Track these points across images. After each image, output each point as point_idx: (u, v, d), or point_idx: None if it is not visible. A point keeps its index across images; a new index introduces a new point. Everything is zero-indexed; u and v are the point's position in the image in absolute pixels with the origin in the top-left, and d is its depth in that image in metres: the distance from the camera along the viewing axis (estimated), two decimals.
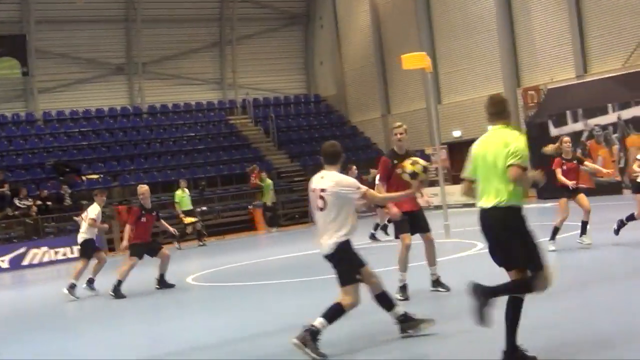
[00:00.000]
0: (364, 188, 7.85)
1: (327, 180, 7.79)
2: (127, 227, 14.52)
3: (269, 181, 29.09)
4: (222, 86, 38.52)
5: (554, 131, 27.03)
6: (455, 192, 29.47)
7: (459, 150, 33.12)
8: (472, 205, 22.79)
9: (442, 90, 33.78)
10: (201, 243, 25.58)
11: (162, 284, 14.58)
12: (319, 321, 7.47)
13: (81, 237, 15.12)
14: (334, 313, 7.57)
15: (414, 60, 18.29)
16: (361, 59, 37.75)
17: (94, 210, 15.01)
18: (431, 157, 28.59)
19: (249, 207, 30.67)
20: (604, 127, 25.69)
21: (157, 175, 31.60)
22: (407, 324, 7.95)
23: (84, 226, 15.13)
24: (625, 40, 27.33)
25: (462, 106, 32.66)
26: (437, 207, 18.76)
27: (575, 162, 13.45)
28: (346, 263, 7.71)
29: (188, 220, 25.71)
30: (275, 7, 39.32)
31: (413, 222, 10.32)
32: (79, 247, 15.70)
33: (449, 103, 33.45)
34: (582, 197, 13.32)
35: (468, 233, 18.25)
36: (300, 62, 40.78)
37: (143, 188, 14.79)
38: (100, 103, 35.19)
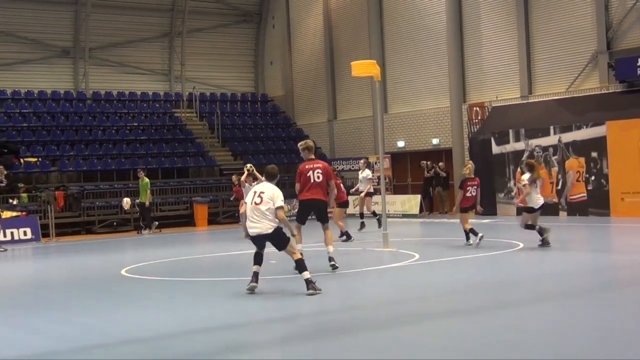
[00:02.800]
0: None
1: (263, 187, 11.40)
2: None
3: (147, 180, 26.98)
4: (169, 78, 38.21)
5: (496, 149, 27.44)
6: (395, 202, 29.80)
7: (401, 160, 33.44)
8: (412, 215, 23.06)
9: (389, 99, 33.94)
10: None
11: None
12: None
13: None
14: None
15: (364, 68, 18.32)
16: (311, 62, 37.80)
17: None
18: (374, 166, 28.78)
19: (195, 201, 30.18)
20: (545, 149, 26.14)
21: (97, 163, 31.13)
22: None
23: None
24: (571, 65, 27.86)
25: (408, 117, 32.87)
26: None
27: None
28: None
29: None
30: (228, 3, 39.15)
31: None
32: None
33: (394, 113, 33.59)
34: None
35: (406, 243, 18.42)
36: (249, 60, 40.68)
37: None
38: (43, 85, 34.59)
